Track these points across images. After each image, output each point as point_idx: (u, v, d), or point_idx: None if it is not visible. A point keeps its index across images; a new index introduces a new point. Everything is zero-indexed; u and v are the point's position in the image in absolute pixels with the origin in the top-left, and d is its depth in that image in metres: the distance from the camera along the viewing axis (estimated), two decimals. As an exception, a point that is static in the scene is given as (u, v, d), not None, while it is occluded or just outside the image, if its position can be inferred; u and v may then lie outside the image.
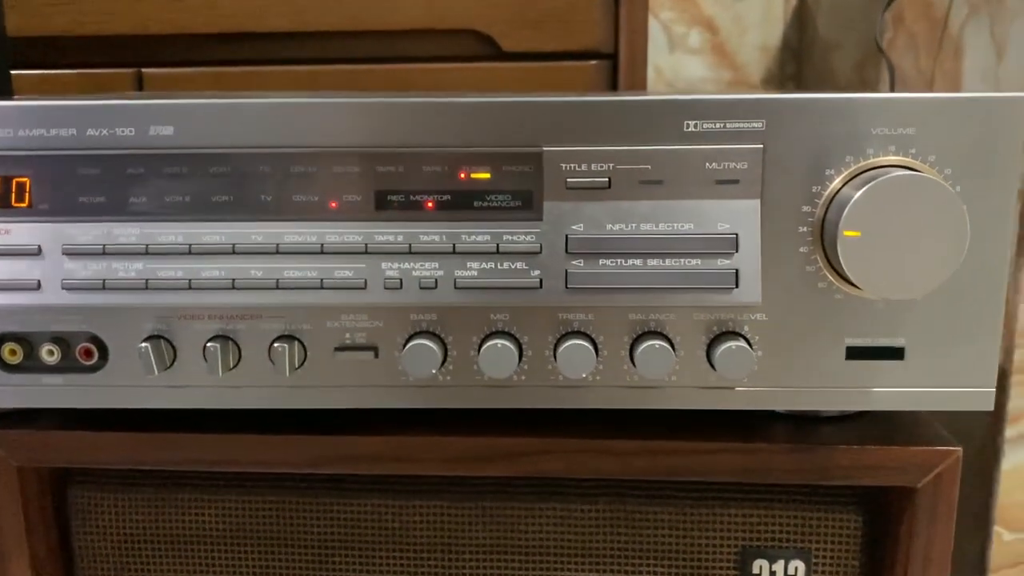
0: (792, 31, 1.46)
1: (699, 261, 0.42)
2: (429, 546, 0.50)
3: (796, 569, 0.48)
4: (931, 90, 1.03)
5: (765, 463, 0.46)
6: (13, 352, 0.45)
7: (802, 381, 0.44)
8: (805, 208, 0.42)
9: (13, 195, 0.43)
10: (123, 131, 0.42)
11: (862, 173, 0.41)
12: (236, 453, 0.48)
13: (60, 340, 0.45)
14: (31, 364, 0.45)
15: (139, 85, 1.00)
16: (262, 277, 0.43)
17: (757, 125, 0.41)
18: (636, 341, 0.43)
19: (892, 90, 1.01)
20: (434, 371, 0.43)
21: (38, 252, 0.43)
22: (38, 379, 0.45)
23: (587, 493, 0.49)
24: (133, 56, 1.00)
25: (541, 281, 0.42)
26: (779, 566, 0.48)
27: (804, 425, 0.48)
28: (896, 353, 0.43)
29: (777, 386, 0.44)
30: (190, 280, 0.43)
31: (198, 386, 0.45)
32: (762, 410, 0.46)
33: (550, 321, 0.43)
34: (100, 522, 0.51)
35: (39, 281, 0.43)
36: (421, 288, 0.42)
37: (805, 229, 0.42)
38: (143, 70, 1.00)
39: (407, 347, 0.43)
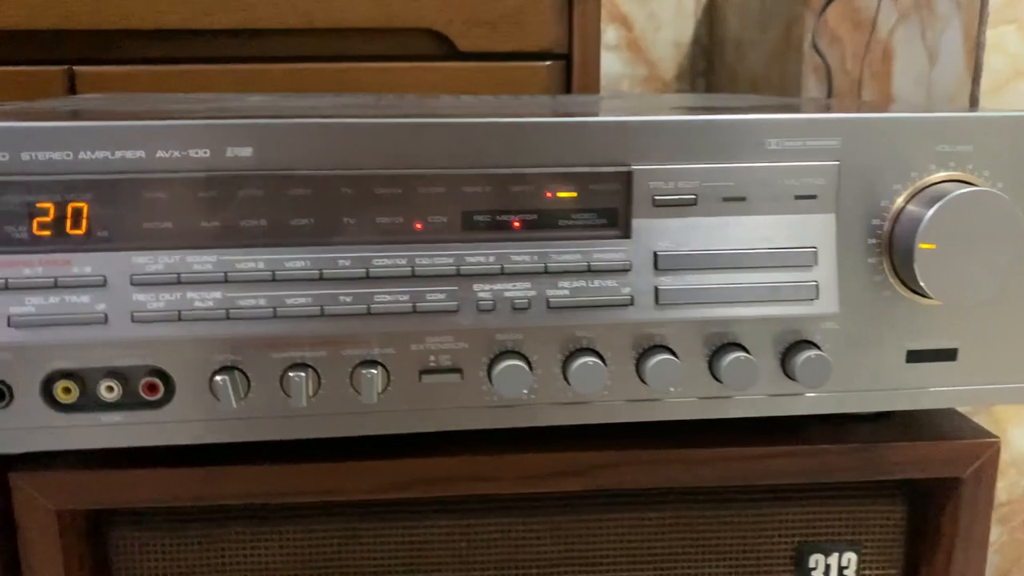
0: (703, 28, 1.50)
1: (781, 275, 0.43)
2: (497, 564, 0.49)
3: (849, 561, 0.51)
4: (860, 90, 1.09)
5: (827, 464, 0.48)
6: (67, 391, 0.42)
7: (867, 384, 0.46)
8: (875, 221, 0.44)
9: (69, 221, 0.40)
10: (197, 152, 0.40)
11: (926, 188, 0.44)
12: (299, 484, 0.46)
13: (119, 375, 0.42)
14: (87, 402, 0.42)
15: (71, 83, 0.94)
16: (352, 303, 0.41)
17: (833, 143, 0.43)
18: (716, 354, 0.44)
19: (830, 91, 1.06)
20: (525, 391, 0.43)
21: (103, 283, 0.40)
22: (96, 418, 0.42)
23: (654, 501, 0.50)
24: (62, 52, 0.94)
25: (632, 298, 0.43)
26: (833, 559, 0.51)
27: (844, 424, 0.50)
28: (950, 354, 0.46)
29: (845, 390, 0.46)
30: (275, 308, 0.41)
31: (274, 417, 0.43)
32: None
33: (636, 337, 0.44)
34: (146, 564, 0.48)
35: (106, 314, 0.40)
36: (514, 309, 0.42)
37: (874, 241, 0.44)
38: (75, 68, 0.94)
39: (499, 368, 0.42)
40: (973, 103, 0.89)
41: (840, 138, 0.43)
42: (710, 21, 1.49)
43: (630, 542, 0.50)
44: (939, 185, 0.44)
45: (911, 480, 0.50)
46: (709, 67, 1.51)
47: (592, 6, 1.00)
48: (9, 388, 0.41)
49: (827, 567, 0.51)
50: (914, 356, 0.46)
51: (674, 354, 0.44)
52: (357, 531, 0.49)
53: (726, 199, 0.43)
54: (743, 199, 0.43)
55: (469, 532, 0.49)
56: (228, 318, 0.41)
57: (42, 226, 0.40)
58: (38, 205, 0.40)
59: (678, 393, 0.45)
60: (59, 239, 0.40)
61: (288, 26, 0.95)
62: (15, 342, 0.40)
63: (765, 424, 0.48)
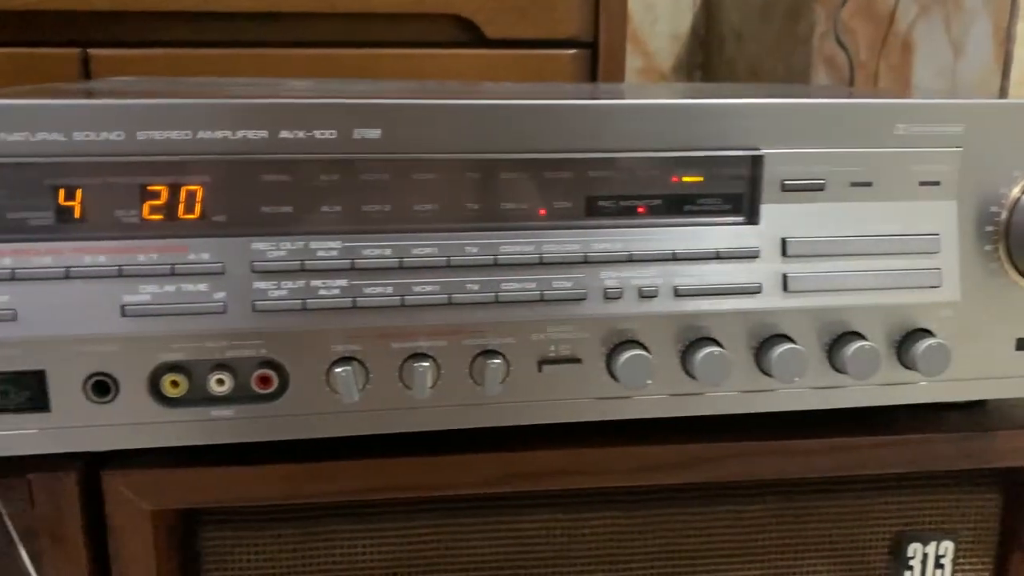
0: (700, 20, 1.50)
1: (905, 261, 0.43)
2: (597, 558, 0.48)
3: (946, 550, 0.50)
4: (876, 82, 1.09)
5: (930, 453, 0.48)
6: (175, 384, 0.39)
7: (977, 373, 0.46)
8: (992, 208, 0.44)
9: (182, 205, 0.38)
10: (323, 134, 0.38)
11: (1044, 174, 0.44)
12: (402, 479, 0.45)
13: (230, 367, 0.40)
14: (195, 397, 0.40)
15: (85, 66, 0.90)
16: (479, 291, 0.40)
17: (958, 129, 0.43)
18: (836, 343, 0.44)
19: (851, 83, 1.07)
20: (649, 381, 0.42)
21: (222, 271, 0.38)
22: (204, 413, 0.40)
23: (755, 493, 0.49)
24: (77, 34, 0.90)
25: (760, 285, 0.42)
26: (931, 548, 0.50)
27: (937, 413, 0.50)
28: (1057, 342, 0.46)
29: (956, 379, 0.46)
30: (403, 297, 0.39)
31: (392, 409, 0.41)
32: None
33: (757, 326, 0.43)
34: (238, 565, 0.46)
35: (225, 304, 0.38)
36: (641, 297, 0.41)
37: (991, 229, 0.44)
38: (89, 50, 0.90)
39: (623, 358, 0.41)
40: (1003, 95, 0.90)
41: (964, 124, 0.43)
42: (707, 13, 1.49)
43: (731, 534, 0.49)
44: (1058, 172, 0.43)
45: (1006, 469, 0.50)
46: (706, 59, 1.50)
47: (619, -6, 0.98)
48: (115, 382, 0.39)
49: (924, 556, 0.50)
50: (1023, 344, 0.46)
51: (794, 342, 0.43)
52: (456, 526, 0.47)
53: (853, 184, 0.42)
54: (869, 184, 0.42)
55: (569, 526, 0.48)
56: (355, 307, 0.39)
57: (154, 210, 0.38)
58: (150, 188, 0.38)
59: (797, 384, 0.44)
60: (171, 224, 0.38)
61: (311, 10, 0.92)
62: (126, 333, 0.38)
63: (855, 414, 0.47)
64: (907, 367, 0.45)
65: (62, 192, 0.37)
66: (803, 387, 0.45)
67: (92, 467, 0.43)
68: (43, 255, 0.37)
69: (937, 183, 0.43)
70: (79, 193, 0.37)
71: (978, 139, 0.43)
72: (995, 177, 0.43)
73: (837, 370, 0.44)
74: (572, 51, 0.98)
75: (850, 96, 0.45)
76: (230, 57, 0.93)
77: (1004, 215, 0.44)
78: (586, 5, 0.97)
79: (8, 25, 0.88)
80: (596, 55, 1.00)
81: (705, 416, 0.45)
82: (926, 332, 0.44)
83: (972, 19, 0.93)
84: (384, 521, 0.47)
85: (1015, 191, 0.44)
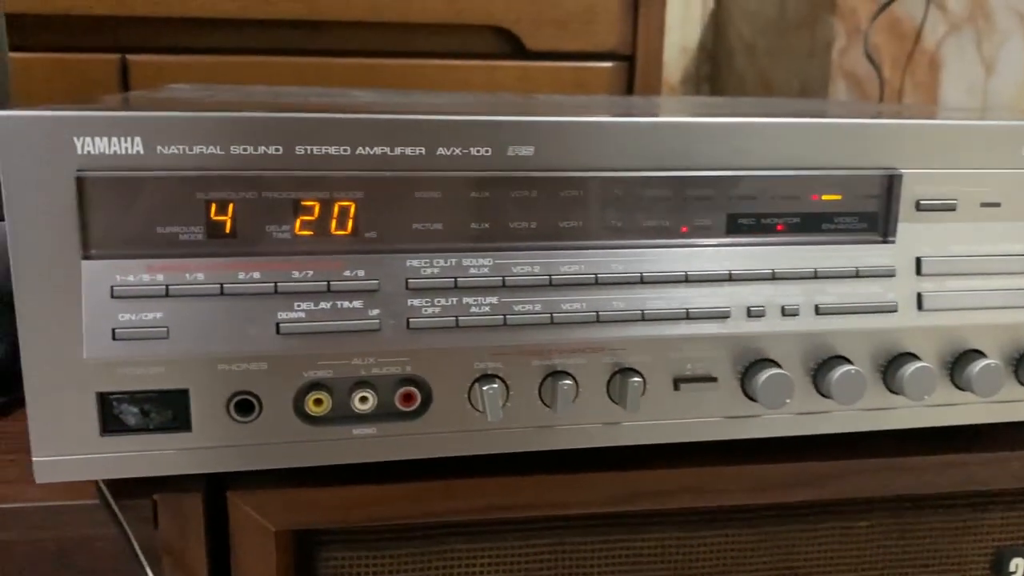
0: (709, 34, 1.52)
1: (1030, 281, 0.44)
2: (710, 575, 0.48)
3: (1044, 564, 0.51)
4: (901, 99, 1.11)
5: (1042, 467, 0.48)
6: (319, 402, 0.39)
7: (1089, 389, 0.47)
8: (1110, 228, 0.45)
9: (334, 221, 0.37)
10: (479, 151, 0.38)
11: None
12: (525, 497, 0.44)
13: (372, 385, 0.39)
14: (338, 414, 0.39)
15: (123, 72, 0.89)
16: (625, 309, 0.40)
17: (1081, 150, 0.43)
18: (959, 361, 0.44)
19: (881, 97, 1.08)
20: (788, 400, 0.42)
21: (377, 288, 0.37)
22: (347, 431, 0.39)
23: (862, 509, 0.49)
24: (115, 40, 0.89)
25: (896, 304, 0.42)
26: (1031, 562, 0.51)
27: (1008, 430, 0.50)
28: None
29: (1070, 395, 0.46)
30: (551, 314, 0.39)
31: (531, 427, 0.41)
32: None
33: (889, 343, 0.43)
34: (357, 584, 0.45)
35: (380, 321, 0.37)
36: (784, 315, 0.41)
37: (1107, 248, 0.45)
38: (128, 56, 0.89)
39: (764, 378, 0.41)
40: (1037, 114, 0.92)
41: (1087, 146, 0.43)
42: (716, 26, 1.50)
43: (838, 551, 0.49)
44: None
45: (1102, 483, 0.51)
46: (714, 72, 1.52)
47: (657, 8, 0.99)
48: (259, 400, 0.38)
49: (1025, 571, 0.51)
50: None
51: (921, 361, 0.43)
52: (573, 546, 0.47)
53: (983, 204, 0.43)
54: (998, 204, 0.43)
55: (683, 545, 0.48)
56: (505, 325, 0.38)
57: (305, 225, 0.37)
58: (303, 203, 0.37)
59: (926, 402, 0.44)
60: (322, 240, 0.37)
61: (354, 18, 0.92)
62: (277, 350, 0.37)
63: (949, 431, 0.48)
64: (1022, 384, 0.45)
65: (214, 206, 0.36)
66: (925, 405, 0.45)
67: (214, 487, 0.42)
68: (196, 271, 0.36)
69: (1060, 204, 0.44)
70: (231, 208, 0.36)
71: (1099, 161, 0.44)
72: (1113, 198, 0.44)
73: (959, 388, 0.45)
74: (610, 64, 0.99)
75: (975, 116, 0.45)
76: (270, 65, 0.92)
77: (1120, 235, 0.45)
78: (625, 19, 0.98)
79: (48, 30, 0.86)
80: (633, 68, 1.00)
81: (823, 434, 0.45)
82: (1046, 350, 0.45)
83: (1006, 37, 0.95)
84: (502, 540, 0.46)
85: None
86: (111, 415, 0.37)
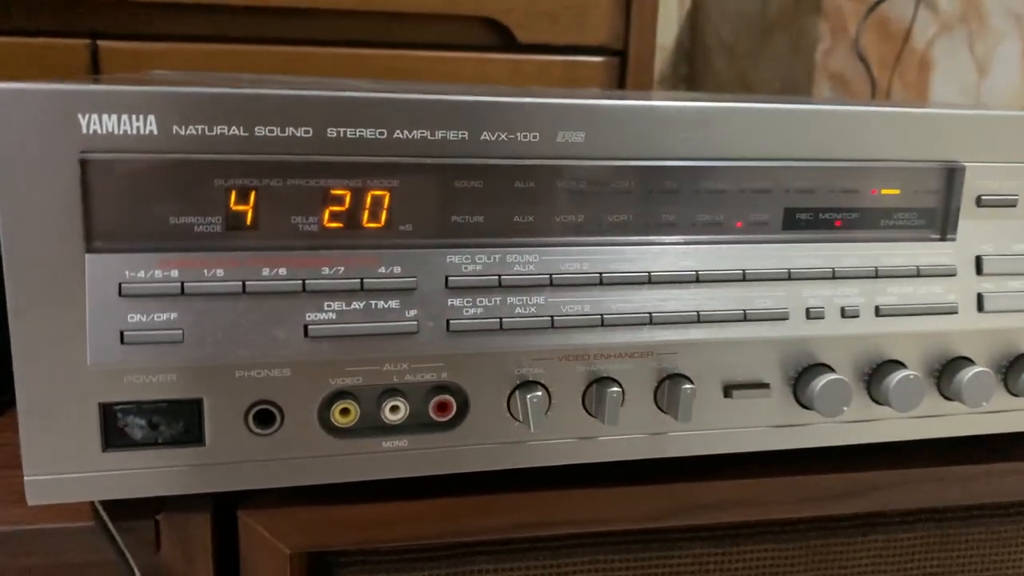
0: (686, 33, 1.50)
1: (1091, 281, 0.41)
2: (750, 593, 0.45)
3: (1085, 575, 0.49)
4: (888, 99, 1.10)
5: (1085, 476, 0.47)
6: (346, 412, 0.35)
7: None
8: None
9: (366, 212, 0.34)
10: (526, 136, 0.34)
11: None
12: (564, 513, 0.41)
13: (403, 393, 0.36)
14: (367, 425, 0.36)
15: (94, 58, 0.84)
16: (680, 310, 0.37)
17: None
18: (1013, 365, 0.42)
19: (873, 98, 1.07)
20: (846, 408, 0.39)
21: (415, 287, 0.34)
22: (376, 444, 0.36)
23: (908, 520, 0.47)
24: (86, 24, 0.84)
25: (956, 305, 0.40)
26: (1072, 574, 0.49)
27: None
28: None
29: (1121, 401, 0.44)
30: (602, 316, 0.36)
31: (573, 438, 0.38)
32: None
33: (944, 347, 0.41)
34: (377, 609, 0.41)
35: (418, 323, 0.34)
36: (844, 317, 0.38)
37: None
38: (99, 42, 0.84)
39: (822, 384, 0.39)
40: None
41: None
42: (693, 27, 1.48)
43: (881, 563, 0.47)
44: None
45: None
46: (691, 71, 1.50)
47: (650, 3, 0.97)
48: (280, 411, 0.34)
49: (1066, 583, 0.49)
50: None
51: (977, 365, 0.41)
52: (607, 563, 0.44)
53: (1043, 201, 0.41)
54: (1058, 201, 0.41)
55: (722, 560, 0.45)
56: (552, 327, 0.35)
57: (334, 216, 0.34)
58: (333, 192, 0.33)
59: (987, 408, 0.42)
60: (352, 233, 0.34)
61: (341, 7, 0.88)
62: (304, 356, 0.33)
63: (994, 439, 0.46)
64: (1077, 389, 0.43)
65: (234, 194, 0.32)
66: (979, 412, 0.43)
67: (223, 505, 0.38)
68: (215, 267, 0.32)
69: (1120, 201, 0.42)
70: (253, 196, 0.33)
71: None
72: None
73: (1012, 394, 0.42)
74: (602, 58, 0.96)
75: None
76: (252, 53, 0.87)
77: None
78: (617, 14, 0.95)
79: (16, 13, 0.81)
80: (625, 63, 0.98)
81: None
82: (1099, 353, 0.43)
83: (999, 39, 0.95)
84: (533, 559, 0.43)
85: None
86: (115, 428, 0.33)
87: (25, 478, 0.33)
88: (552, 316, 0.35)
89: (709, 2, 1.45)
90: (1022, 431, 0.44)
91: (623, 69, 0.98)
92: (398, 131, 0.33)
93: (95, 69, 0.84)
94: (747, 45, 1.36)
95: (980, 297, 0.40)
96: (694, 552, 0.45)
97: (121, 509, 0.37)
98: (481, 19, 0.92)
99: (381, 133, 0.33)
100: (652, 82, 1.00)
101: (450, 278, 0.34)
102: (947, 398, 0.42)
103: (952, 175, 0.39)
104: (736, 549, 0.45)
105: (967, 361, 0.41)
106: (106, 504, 0.37)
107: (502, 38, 0.93)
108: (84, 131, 0.30)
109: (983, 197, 0.40)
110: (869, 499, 0.44)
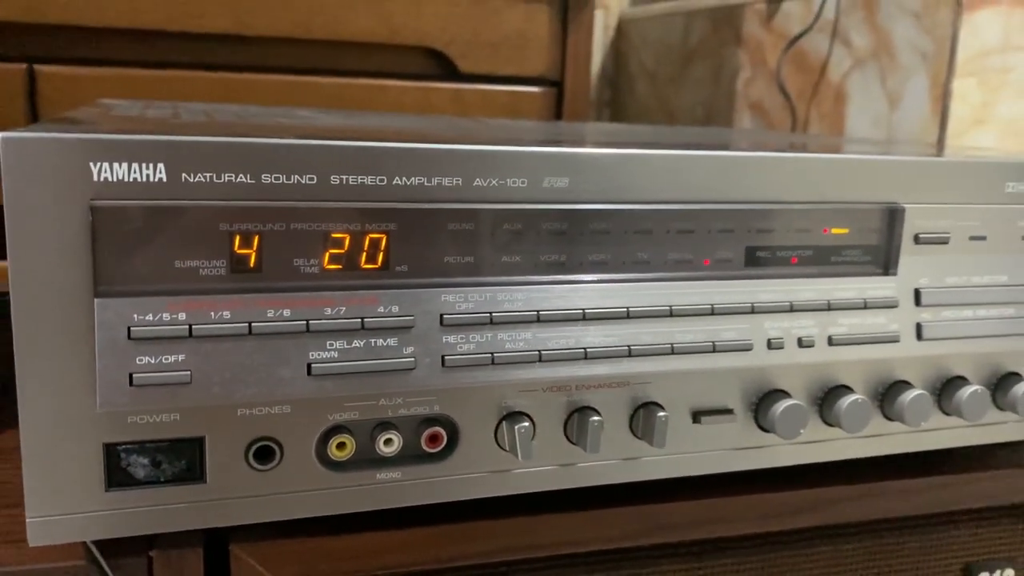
0: (609, 61, 1.55)
1: (1013, 309, 0.46)
2: (712, 605, 0.48)
3: (1007, 576, 0.54)
4: (806, 129, 1.16)
5: (1006, 486, 0.51)
6: (342, 446, 0.36)
7: (1058, 411, 0.50)
8: (1077, 259, 0.48)
9: (364, 255, 0.35)
10: (515, 182, 0.36)
11: (1117, 229, 0.48)
12: (545, 536, 0.43)
13: (396, 427, 0.37)
14: (361, 458, 0.37)
15: (31, 82, 0.83)
16: (655, 343, 0.39)
17: (1054, 187, 0.46)
18: (945, 388, 0.46)
19: (793, 127, 1.13)
20: (803, 430, 0.42)
21: (412, 324, 0.36)
22: (371, 476, 0.37)
23: (851, 532, 0.51)
24: (22, 48, 0.83)
25: (899, 334, 0.43)
26: (996, 575, 0.54)
27: (983, 450, 0.53)
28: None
29: (1037, 418, 0.49)
30: (585, 349, 0.38)
31: (556, 465, 0.40)
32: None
33: (886, 372, 0.45)
34: (364, 636, 0.42)
35: (415, 359, 0.36)
36: (801, 346, 0.42)
37: (1075, 277, 0.48)
38: (36, 66, 0.83)
39: (782, 409, 0.42)
40: (940, 147, 0.98)
41: (1059, 182, 0.46)
42: (616, 54, 1.54)
43: (830, 573, 0.50)
44: None
45: (1053, 498, 0.54)
46: (615, 98, 1.55)
47: (585, 35, 1.01)
48: (280, 447, 0.36)
49: (990, 584, 0.54)
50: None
51: (915, 388, 0.45)
52: (580, 582, 0.46)
53: (972, 238, 0.45)
54: (984, 238, 0.45)
55: (691, 573, 0.48)
56: (540, 361, 0.37)
57: (334, 259, 0.35)
58: (333, 235, 0.35)
59: (929, 426, 0.46)
60: (350, 274, 0.35)
61: (283, 34, 0.88)
62: (308, 394, 0.35)
63: (919, 456, 0.50)
64: (1001, 408, 0.47)
65: (238, 238, 0.34)
66: (918, 430, 0.46)
67: (215, 540, 0.39)
68: (222, 309, 0.33)
69: (1037, 237, 0.46)
70: (256, 240, 0.34)
71: (1069, 197, 0.47)
72: (1079, 231, 0.47)
73: (946, 413, 0.46)
74: (541, 89, 0.99)
75: (959, 153, 0.48)
76: (193, 79, 0.87)
77: (1085, 266, 0.48)
78: (555, 46, 0.99)
79: (-54, 36, 0.79)
80: (562, 93, 1.01)
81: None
82: (1019, 376, 0.47)
83: (909, 74, 1.01)
84: (512, 581, 0.45)
85: (1095, 244, 0.48)
86: (117, 468, 0.34)
87: (27, 520, 0.33)
88: (539, 350, 0.37)
89: (632, 29, 1.50)
90: (954, 447, 0.48)
91: (560, 98, 1.02)
92: (397, 178, 0.35)
93: (31, 93, 0.83)
94: (669, 72, 1.41)
95: (919, 326, 0.44)
96: (661, 569, 0.47)
97: (114, 546, 0.37)
98: (423, 49, 0.94)
99: (381, 180, 0.35)
100: (588, 111, 1.03)
101: (445, 316, 0.36)
102: (889, 419, 0.45)
103: (893, 215, 0.43)
104: (699, 565, 0.48)
105: (907, 385, 0.45)
106: (99, 542, 0.37)
107: (444, 68, 0.95)
108: (95, 179, 0.31)
109: (920, 235, 0.44)
110: (822, 513, 0.47)
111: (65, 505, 0.33)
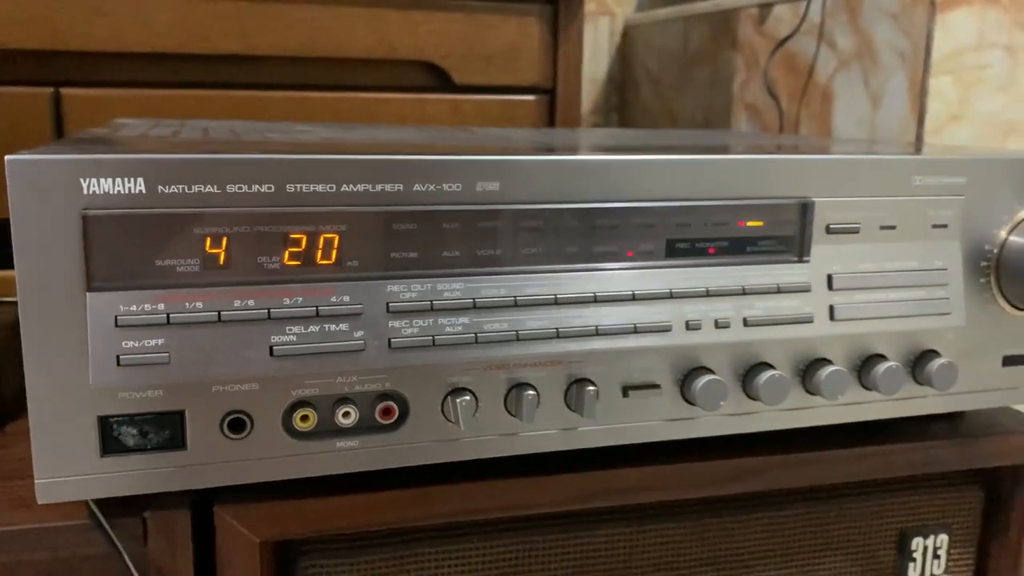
0: (616, 66, 1.60)
1: (923, 292, 0.50)
2: (656, 566, 0.53)
3: (941, 542, 0.58)
4: (797, 129, 1.20)
5: (939, 456, 0.55)
6: (306, 418, 0.42)
7: (973, 386, 0.54)
8: (987, 247, 0.52)
9: (319, 252, 0.41)
10: (450, 187, 0.42)
11: (1025, 218, 0.52)
12: (496, 500, 0.48)
13: (354, 401, 0.43)
14: (323, 429, 0.43)
15: (57, 105, 0.90)
16: (582, 325, 0.44)
17: (961, 180, 0.51)
18: (865, 364, 0.51)
19: (781, 128, 1.17)
20: (723, 403, 0.47)
21: (361, 312, 0.41)
22: (331, 444, 0.43)
23: (787, 500, 0.55)
24: (49, 73, 0.90)
25: (812, 315, 0.48)
26: (930, 541, 0.58)
27: (918, 424, 0.58)
28: (1035, 358, 0.55)
29: (957, 392, 0.53)
30: (517, 332, 0.43)
31: (499, 435, 0.45)
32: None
33: (807, 350, 0.49)
34: (336, 590, 0.48)
35: (364, 342, 0.41)
36: (717, 327, 0.47)
37: (985, 264, 0.52)
38: (61, 90, 0.90)
39: (702, 384, 0.47)
40: (918, 143, 1.01)
41: (966, 176, 0.51)
42: (622, 59, 1.58)
43: (767, 538, 0.55)
44: (1035, 216, 0.52)
45: (989, 469, 0.58)
46: (622, 102, 1.60)
47: (575, 46, 1.06)
48: (251, 418, 0.41)
49: (925, 548, 0.58)
50: (1008, 360, 0.54)
51: (834, 365, 0.50)
52: (532, 544, 0.51)
53: (882, 227, 0.49)
54: (894, 227, 0.50)
55: (631, 538, 0.53)
56: (476, 342, 0.43)
57: (293, 256, 0.41)
58: (292, 236, 0.41)
59: (837, 401, 0.51)
60: (308, 269, 0.41)
61: (288, 53, 0.95)
62: (270, 371, 0.40)
63: (856, 427, 0.54)
64: (920, 383, 0.52)
65: (209, 240, 0.39)
66: (839, 404, 0.51)
67: (201, 503, 0.45)
68: (195, 300, 0.39)
69: (945, 226, 0.51)
70: (225, 241, 0.40)
71: (976, 188, 0.51)
72: (988, 220, 0.52)
73: (866, 388, 0.51)
74: (533, 97, 1.04)
75: (869, 151, 0.52)
76: (207, 98, 0.94)
77: (995, 252, 0.52)
78: (546, 56, 1.04)
79: (-20, 64, 0.86)
80: (554, 101, 1.06)
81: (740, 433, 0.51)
82: (935, 353, 0.52)
83: (889, 74, 1.05)
84: (469, 542, 0.50)
85: (1003, 232, 0.52)
86: (111, 437, 0.40)
87: (36, 481, 0.39)
88: (476, 333, 0.43)
89: (636, 35, 1.55)
90: (876, 419, 0.52)
91: (552, 106, 1.07)
92: (345, 185, 0.40)
93: (58, 115, 0.90)
94: (671, 77, 1.46)
95: (832, 308, 0.48)
96: (607, 532, 0.52)
97: (113, 508, 0.43)
98: (420, 63, 1.00)
99: (331, 187, 0.40)
100: (579, 117, 1.08)
101: (390, 304, 0.42)
102: (811, 393, 0.50)
103: (805, 209, 0.48)
104: (642, 528, 0.53)
105: (826, 362, 0.49)
106: (100, 504, 0.43)
107: (440, 80, 1.01)
108: (85, 192, 0.37)
109: (831, 225, 0.48)
110: (749, 481, 0.52)
111: (67, 469, 0.40)
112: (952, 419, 0.59)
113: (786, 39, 1.15)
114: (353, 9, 0.95)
